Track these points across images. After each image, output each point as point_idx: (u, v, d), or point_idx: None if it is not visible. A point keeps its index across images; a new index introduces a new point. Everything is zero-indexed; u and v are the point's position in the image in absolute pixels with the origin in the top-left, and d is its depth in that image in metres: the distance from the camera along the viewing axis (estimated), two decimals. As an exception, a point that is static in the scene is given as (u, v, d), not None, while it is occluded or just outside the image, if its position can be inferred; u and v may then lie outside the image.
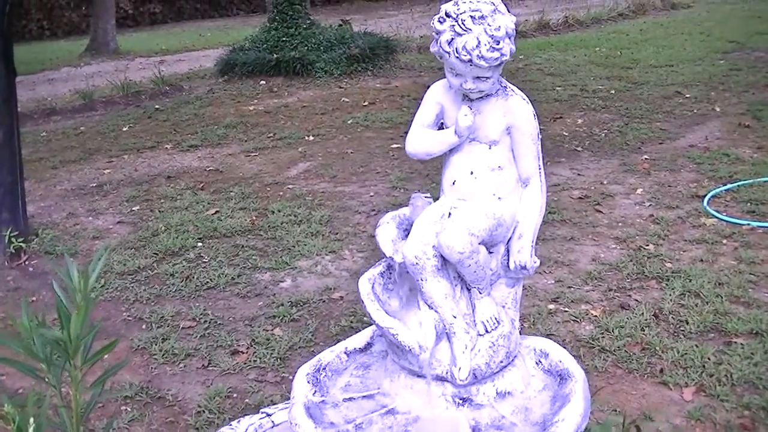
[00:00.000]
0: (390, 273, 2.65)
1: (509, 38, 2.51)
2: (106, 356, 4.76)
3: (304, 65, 13.69)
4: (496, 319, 2.63)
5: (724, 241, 6.18)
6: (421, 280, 2.55)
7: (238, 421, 3.37)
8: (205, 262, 6.24)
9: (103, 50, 19.02)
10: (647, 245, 6.16)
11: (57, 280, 2.60)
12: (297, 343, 4.97)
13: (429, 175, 7.61)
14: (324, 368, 2.74)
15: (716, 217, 6.62)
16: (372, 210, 7.19)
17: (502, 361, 2.61)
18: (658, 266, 5.77)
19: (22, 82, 14.78)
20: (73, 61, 18.20)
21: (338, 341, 4.83)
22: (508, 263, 2.66)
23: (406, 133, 2.78)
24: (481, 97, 2.64)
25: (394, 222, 2.67)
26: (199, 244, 6.58)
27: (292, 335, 5.06)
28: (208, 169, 8.82)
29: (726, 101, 10.81)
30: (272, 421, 3.23)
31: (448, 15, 2.51)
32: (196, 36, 22.43)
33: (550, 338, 4.81)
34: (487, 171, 2.64)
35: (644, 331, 4.88)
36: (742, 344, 4.67)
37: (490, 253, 2.65)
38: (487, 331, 2.61)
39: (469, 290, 2.63)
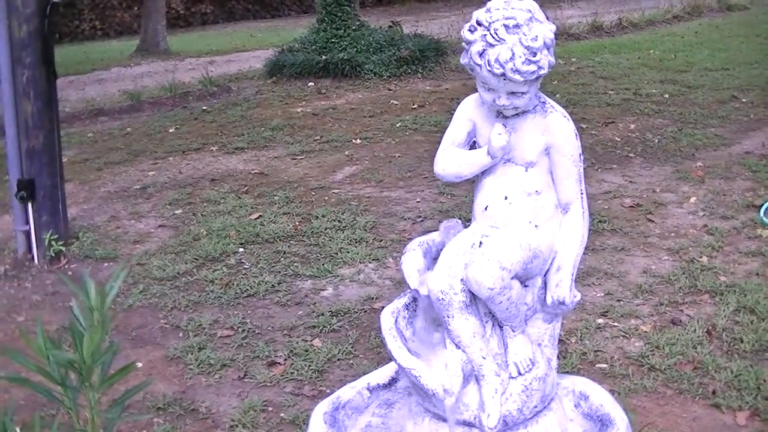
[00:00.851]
0: (416, 306, 2.46)
1: (548, 49, 2.30)
2: (140, 366, 4.70)
3: (352, 67, 13.59)
4: (530, 360, 2.43)
5: (782, 254, 5.96)
6: (448, 316, 2.35)
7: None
8: (245, 268, 6.13)
9: (153, 50, 19.06)
10: (700, 257, 5.96)
11: (75, 296, 2.48)
12: (336, 355, 4.83)
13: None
14: (343, 406, 2.55)
15: (773, 228, 6.41)
16: (418, 216, 7.05)
17: (536, 406, 2.41)
18: (712, 280, 5.57)
19: (73, 82, 14.92)
20: (124, 61, 18.24)
21: (379, 354, 4.73)
22: (545, 297, 2.46)
23: None
24: (517, 114, 2.43)
25: (421, 249, 2.46)
26: (241, 249, 6.48)
27: (332, 347, 4.93)
28: (252, 172, 8.72)
29: (784, 106, 10.54)
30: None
31: (479, 24, 2.30)
32: (246, 36, 22.43)
33: (598, 355, 4.68)
34: (523, 196, 2.43)
35: (696, 348, 4.68)
36: (800, 365, 4.47)
37: (525, 286, 2.44)
38: (520, 374, 2.41)
39: (501, 327, 2.43)
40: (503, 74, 2.27)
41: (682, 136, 9.31)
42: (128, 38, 23.01)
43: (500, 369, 2.39)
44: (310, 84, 13.44)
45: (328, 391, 4.28)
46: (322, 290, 5.74)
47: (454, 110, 2.62)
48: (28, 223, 6.44)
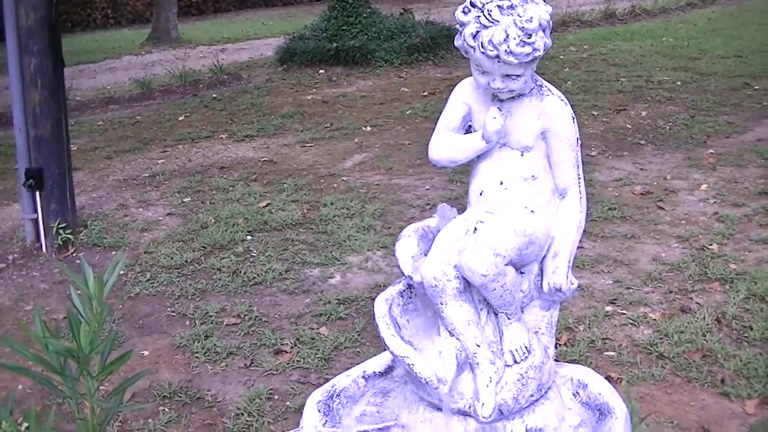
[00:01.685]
0: (411, 293, 2.43)
1: (543, 31, 2.23)
2: (146, 354, 4.70)
3: (363, 54, 13.55)
4: (526, 347, 2.38)
5: (793, 242, 5.92)
6: (441, 303, 2.31)
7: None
8: (253, 256, 6.12)
9: (165, 39, 19.02)
10: (711, 245, 5.92)
11: (74, 285, 2.46)
12: (343, 343, 4.82)
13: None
14: (338, 395, 2.52)
15: (784, 216, 6.36)
16: (427, 204, 7.02)
17: (532, 395, 2.37)
18: (722, 267, 5.52)
19: (84, 70, 14.93)
20: (135, 49, 18.22)
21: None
22: (541, 284, 2.42)
23: None
24: (513, 98, 2.38)
25: (416, 235, 2.42)
26: (249, 237, 6.46)
27: (338, 334, 4.91)
28: (262, 159, 8.70)
29: (797, 93, 10.46)
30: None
31: (473, 5, 2.24)
32: (258, 24, 22.38)
33: (606, 342, 4.65)
34: (518, 181, 2.39)
35: (705, 337, 4.65)
36: (809, 353, 4.43)
37: (521, 273, 2.40)
38: (515, 362, 2.37)
39: (496, 315, 2.39)
40: (497, 56, 2.22)
41: (694, 123, 9.25)
42: (140, 27, 22.98)
43: (495, 357, 2.36)
44: (321, 71, 13.41)
45: (334, 379, 4.27)
46: (330, 278, 5.72)
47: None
48: (36, 211, 6.44)
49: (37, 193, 6.41)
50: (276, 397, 4.34)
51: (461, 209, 2.56)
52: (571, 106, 2.49)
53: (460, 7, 2.29)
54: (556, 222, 2.41)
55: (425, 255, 2.38)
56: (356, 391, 2.58)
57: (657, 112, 9.89)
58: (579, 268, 5.50)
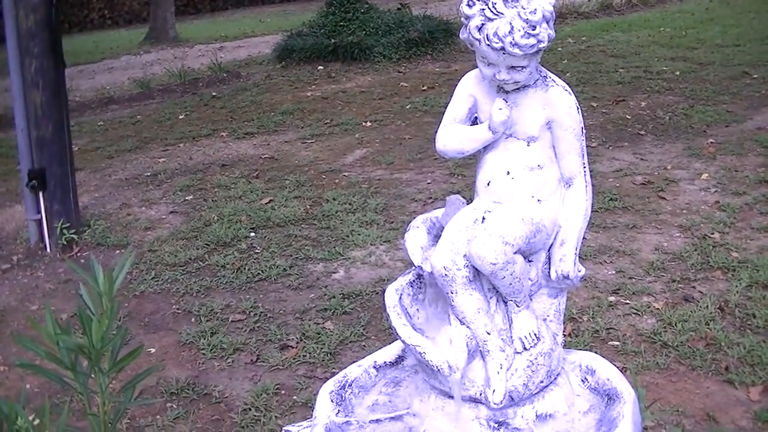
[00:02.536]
0: (420, 283, 2.44)
1: (547, 22, 2.25)
2: (153, 351, 4.72)
3: (362, 50, 13.54)
4: (535, 334, 2.40)
5: (794, 229, 5.94)
6: (451, 292, 2.33)
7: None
8: (257, 252, 6.14)
9: (163, 38, 19.01)
10: (712, 233, 5.94)
11: (83, 283, 2.48)
12: (348, 338, 4.84)
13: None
14: (350, 385, 2.54)
15: (785, 204, 6.38)
16: (429, 198, 7.04)
17: (542, 381, 2.40)
18: (724, 256, 5.55)
19: (83, 71, 14.93)
20: (133, 49, 18.22)
21: (391, 335, 4.72)
22: (549, 272, 2.44)
23: None
24: (518, 89, 2.40)
25: (424, 226, 2.45)
26: (252, 234, 6.48)
27: (344, 329, 4.94)
28: (263, 156, 8.72)
29: (796, 81, 10.47)
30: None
31: None
32: (256, 22, 22.38)
33: (610, 332, 4.67)
34: (525, 170, 2.40)
35: (709, 325, 4.67)
36: (813, 339, 4.46)
37: (529, 261, 2.42)
38: (525, 349, 2.39)
39: (505, 303, 2.41)
40: (502, 48, 2.24)
41: (694, 112, 9.26)
42: (137, 26, 22.97)
43: (505, 344, 2.38)
44: (320, 68, 13.41)
45: (340, 373, 4.29)
46: (334, 273, 5.75)
47: (463, 91, 2.59)
48: (39, 212, 6.46)
49: (40, 193, 6.44)
50: (283, 391, 4.37)
51: (467, 201, 2.59)
52: (573, 97, 2.52)
53: (465, 1, 2.30)
54: (563, 210, 2.44)
55: (434, 245, 2.40)
56: (368, 381, 2.60)
57: (656, 102, 9.90)
58: (582, 258, 5.48)
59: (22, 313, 5.46)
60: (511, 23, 2.22)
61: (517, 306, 2.40)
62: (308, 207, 6.98)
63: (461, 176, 7.42)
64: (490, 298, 2.39)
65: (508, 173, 2.41)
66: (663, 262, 5.55)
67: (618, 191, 6.84)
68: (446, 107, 2.55)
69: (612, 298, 5.10)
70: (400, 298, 2.39)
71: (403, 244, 2.51)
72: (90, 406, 2.49)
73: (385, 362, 2.65)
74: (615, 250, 5.76)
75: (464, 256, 2.32)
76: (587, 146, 2.52)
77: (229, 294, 5.53)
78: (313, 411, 2.51)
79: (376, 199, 7.07)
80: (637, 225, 6.19)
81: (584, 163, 2.45)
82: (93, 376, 2.40)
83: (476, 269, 2.32)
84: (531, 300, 2.45)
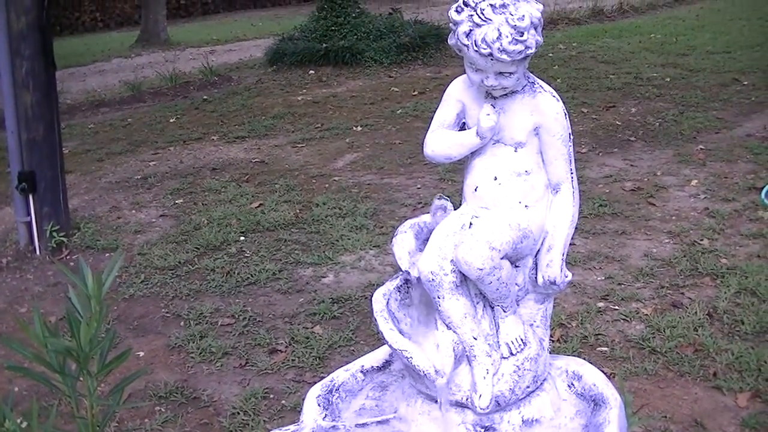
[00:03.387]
0: (407, 288, 2.46)
1: (535, 29, 2.26)
2: (141, 355, 4.71)
3: (353, 54, 13.55)
4: (522, 340, 2.42)
5: (783, 236, 5.95)
6: (438, 297, 2.34)
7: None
8: (246, 256, 6.14)
9: (154, 41, 19.00)
10: (701, 240, 5.95)
11: (72, 285, 2.48)
12: (337, 342, 4.84)
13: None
14: (337, 389, 2.55)
15: (774, 210, 6.40)
16: (419, 203, 7.05)
17: (528, 387, 2.41)
18: (713, 262, 5.56)
19: (74, 73, 14.91)
20: (124, 52, 18.20)
21: (380, 340, 4.72)
22: (536, 278, 2.46)
23: None
24: (506, 95, 2.41)
25: (412, 231, 2.46)
26: (242, 238, 6.48)
27: (333, 333, 4.93)
28: (253, 160, 8.71)
29: (785, 89, 10.51)
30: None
31: (466, 4, 2.27)
32: (247, 25, 22.37)
33: (599, 338, 4.68)
34: (512, 176, 2.42)
35: (697, 331, 4.68)
36: (800, 346, 4.47)
37: (516, 267, 2.43)
38: (512, 354, 2.40)
39: (492, 308, 2.42)
40: (490, 54, 2.25)
41: (684, 119, 9.29)
42: (129, 29, 22.95)
43: (492, 349, 2.39)
44: (311, 72, 13.41)
45: (329, 377, 4.30)
46: (323, 277, 5.75)
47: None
48: (29, 214, 6.44)
49: (30, 196, 6.42)
50: (271, 396, 4.37)
51: (454, 206, 2.59)
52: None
53: (454, 6, 2.31)
54: (550, 216, 2.45)
55: (422, 250, 2.41)
56: (355, 386, 2.60)
57: (646, 108, 9.93)
58: (571, 264, 5.52)
59: (11, 316, 5.45)
60: (499, 29, 2.23)
61: (504, 311, 2.41)
62: (298, 211, 6.98)
63: (451, 181, 7.43)
64: (477, 303, 2.40)
65: (496, 179, 2.42)
66: (652, 268, 5.56)
67: (608, 197, 6.86)
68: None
69: (601, 304, 5.11)
70: (388, 302, 2.40)
71: (390, 249, 2.51)
72: (78, 409, 2.48)
73: (372, 367, 2.66)
74: (604, 256, 5.77)
75: (451, 261, 2.33)
76: (577, 152, 2.53)
77: (219, 298, 5.52)
78: (300, 415, 2.51)
79: (366, 203, 7.07)
80: (626, 231, 6.20)
81: (571, 169, 2.46)
82: (81, 379, 2.40)
83: (463, 274, 2.33)
84: (518, 305, 2.46)
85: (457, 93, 2.52)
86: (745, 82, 10.97)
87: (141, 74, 14.12)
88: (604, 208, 6.61)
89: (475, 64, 2.32)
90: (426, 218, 2.52)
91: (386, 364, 2.66)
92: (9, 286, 5.95)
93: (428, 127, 2.54)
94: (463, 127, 2.52)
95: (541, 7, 2.30)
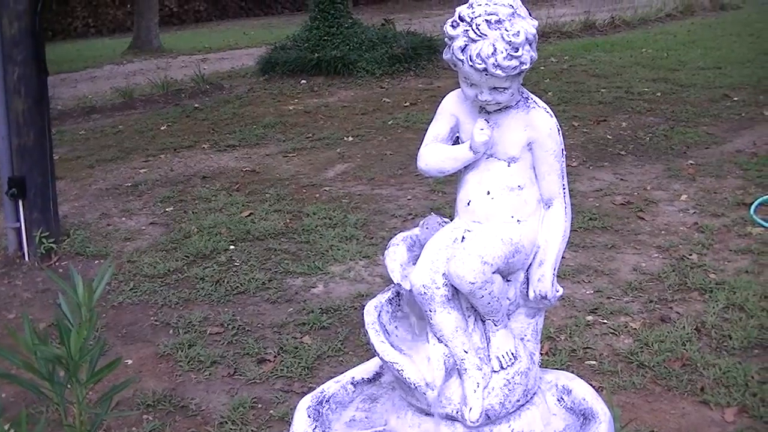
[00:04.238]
0: (399, 300, 2.46)
1: (529, 45, 2.27)
2: (130, 363, 4.70)
3: (345, 65, 13.59)
4: (512, 354, 2.42)
5: (771, 252, 5.97)
6: (430, 311, 2.34)
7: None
8: (236, 265, 6.13)
9: (146, 48, 19.02)
10: (690, 255, 5.97)
11: (62, 293, 2.48)
12: (326, 352, 4.84)
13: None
14: (328, 400, 2.55)
15: (763, 226, 6.41)
16: (409, 214, 7.05)
17: (518, 400, 2.41)
18: (702, 277, 5.58)
19: (66, 79, 14.89)
20: (116, 58, 18.20)
21: (368, 351, 4.71)
22: (527, 292, 2.47)
23: None
24: (500, 110, 2.42)
25: (404, 244, 2.46)
26: (231, 247, 6.47)
27: (322, 344, 4.93)
28: (244, 169, 8.71)
29: (775, 105, 10.55)
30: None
31: (461, 19, 2.29)
32: (239, 34, 22.39)
33: (587, 351, 4.69)
34: (505, 191, 2.42)
35: (685, 346, 4.69)
36: (788, 362, 4.48)
37: (508, 281, 2.44)
38: (502, 368, 2.40)
39: (483, 322, 2.42)
40: (485, 69, 2.26)
41: (674, 134, 9.33)
42: (121, 36, 22.95)
43: (482, 363, 2.39)
44: (303, 82, 13.44)
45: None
46: (313, 287, 5.74)
47: (446, 108, 2.61)
48: (18, 220, 6.43)
49: (20, 201, 6.40)
50: (260, 405, 4.36)
51: (446, 219, 2.60)
52: (553, 117, 2.54)
53: (449, 21, 2.33)
54: (542, 231, 2.46)
55: (414, 263, 2.42)
56: (345, 397, 2.61)
57: (637, 122, 9.97)
58: (560, 277, 5.50)
59: (-1, 322, 5.44)
60: (494, 45, 2.24)
61: (495, 325, 2.42)
62: (288, 221, 6.98)
63: (442, 193, 7.44)
64: (468, 317, 2.40)
65: (488, 193, 2.43)
66: (641, 283, 5.57)
67: (597, 211, 6.87)
68: (428, 124, 2.56)
69: (589, 318, 5.12)
70: (379, 315, 2.40)
71: (383, 261, 2.52)
72: (66, 416, 2.48)
73: (362, 378, 2.66)
74: (593, 270, 5.78)
75: (443, 274, 2.34)
76: (567, 165, 2.54)
77: (208, 307, 5.51)
78: (290, 426, 2.51)
79: (356, 214, 7.07)
80: (615, 245, 6.22)
81: (564, 185, 2.48)
82: (70, 386, 2.40)
83: (455, 288, 2.34)
84: (509, 319, 2.47)
85: (451, 107, 2.53)
86: (736, 98, 11.02)
87: (132, 81, 14.12)
88: (593, 221, 6.63)
89: (470, 78, 2.32)
90: (418, 231, 2.52)
91: (376, 376, 2.67)
92: (-3, 292, 5.94)
93: (422, 141, 2.55)
94: (456, 141, 2.53)
95: (536, 23, 2.32)
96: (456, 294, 2.37)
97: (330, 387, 2.60)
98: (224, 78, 14.40)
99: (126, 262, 6.24)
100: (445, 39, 2.35)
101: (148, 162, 9.21)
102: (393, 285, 2.45)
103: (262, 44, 17.06)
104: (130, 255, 6.39)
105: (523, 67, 2.28)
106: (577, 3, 24.33)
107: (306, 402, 2.54)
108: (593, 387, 2.61)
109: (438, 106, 2.59)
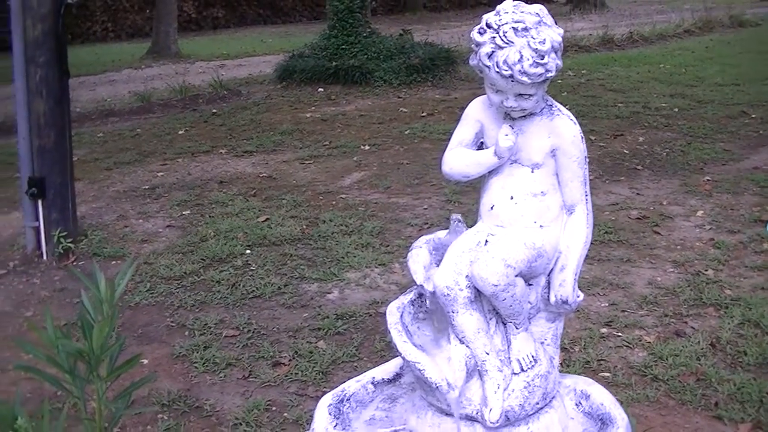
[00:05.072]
0: (421, 302, 2.48)
1: (555, 53, 2.33)
2: (145, 363, 4.72)
3: (362, 74, 13.63)
4: (533, 357, 2.46)
5: (787, 269, 5.97)
6: (453, 312, 2.38)
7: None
8: (252, 270, 6.15)
9: (165, 53, 19.10)
10: (706, 270, 5.97)
11: (85, 289, 2.51)
12: (340, 358, 4.85)
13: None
14: (348, 399, 2.58)
15: (779, 243, 6.41)
16: (425, 223, 7.07)
17: (538, 403, 2.44)
18: (717, 293, 5.57)
19: (84, 82, 14.97)
20: (135, 63, 18.30)
21: (383, 358, 4.73)
22: (548, 297, 2.49)
23: None
24: (525, 116, 2.46)
25: (427, 246, 2.49)
26: (248, 251, 6.50)
27: (336, 349, 4.95)
28: (261, 175, 8.75)
29: (793, 123, 10.54)
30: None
31: (488, 26, 2.33)
32: (257, 41, 22.48)
33: (602, 363, 4.69)
34: (528, 196, 2.46)
35: (700, 360, 4.69)
36: (802, 378, 4.48)
37: (529, 285, 2.47)
38: (522, 370, 2.44)
39: (504, 325, 2.46)
40: (511, 76, 2.30)
41: (691, 149, 9.32)
42: (140, 41, 23.06)
43: (503, 365, 2.42)
44: (320, 90, 13.48)
45: (332, 392, 4.30)
46: (328, 293, 5.76)
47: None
48: (37, 219, 6.48)
49: (39, 201, 6.45)
50: (274, 408, 4.38)
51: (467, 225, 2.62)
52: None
53: (476, 28, 2.37)
54: (564, 237, 2.49)
55: (436, 266, 2.45)
56: (365, 397, 2.63)
57: (654, 138, 9.96)
58: (575, 289, 5.55)
59: (17, 319, 5.47)
60: (520, 52, 2.28)
61: (516, 328, 2.45)
62: (304, 227, 7.01)
63: (458, 203, 7.45)
64: (490, 319, 2.43)
65: (512, 198, 2.46)
66: (656, 297, 5.57)
67: (613, 225, 6.88)
68: (445, 134, 2.60)
69: (604, 330, 5.12)
70: (402, 315, 2.43)
71: (405, 263, 2.54)
72: (86, 411, 2.50)
73: (383, 379, 2.69)
74: (609, 283, 5.79)
75: (466, 276, 2.37)
76: (585, 178, 2.56)
77: (223, 309, 5.54)
78: (308, 426, 2.53)
79: (372, 222, 7.09)
80: (631, 259, 6.22)
81: (586, 191, 2.52)
82: (90, 381, 2.42)
83: (477, 290, 2.36)
84: (529, 323, 2.49)
85: (476, 113, 2.57)
86: (753, 115, 11.01)
87: (151, 85, 14.17)
88: (609, 235, 6.63)
89: (496, 85, 2.36)
90: (440, 234, 2.55)
91: (396, 376, 2.69)
92: (15, 290, 5.97)
93: (443, 148, 2.57)
94: (481, 146, 2.56)
95: (561, 31, 2.35)
96: (478, 296, 2.39)
97: (351, 386, 2.63)
98: (242, 84, 14.46)
99: (143, 264, 6.27)
100: (472, 45, 2.38)
101: (165, 165, 9.26)
102: (415, 287, 2.47)
103: (279, 52, 17.12)
104: (147, 257, 6.42)
105: (548, 75, 2.32)
106: (595, 17, 24.39)
107: (327, 400, 2.56)
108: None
109: (460, 115, 2.62)
